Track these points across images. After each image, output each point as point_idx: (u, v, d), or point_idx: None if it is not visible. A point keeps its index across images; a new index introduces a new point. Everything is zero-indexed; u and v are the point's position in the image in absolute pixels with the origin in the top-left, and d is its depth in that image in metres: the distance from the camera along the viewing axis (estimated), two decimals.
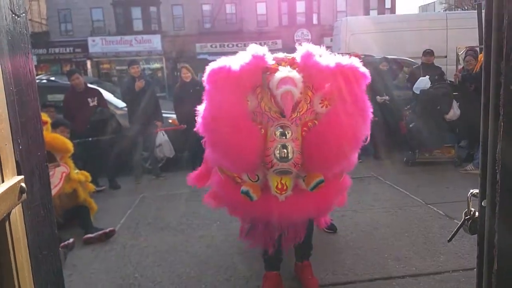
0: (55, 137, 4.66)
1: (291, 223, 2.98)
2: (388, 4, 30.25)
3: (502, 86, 1.13)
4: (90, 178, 5.07)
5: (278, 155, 2.50)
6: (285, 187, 2.68)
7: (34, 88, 1.07)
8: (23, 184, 0.94)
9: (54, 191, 4.33)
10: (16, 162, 0.95)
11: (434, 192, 5.62)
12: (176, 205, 5.64)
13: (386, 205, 5.23)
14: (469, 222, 1.31)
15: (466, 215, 1.33)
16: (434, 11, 39.52)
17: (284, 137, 2.53)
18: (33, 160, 1.05)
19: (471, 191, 1.30)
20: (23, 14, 1.02)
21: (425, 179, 6.32)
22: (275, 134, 2.56)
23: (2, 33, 0.96)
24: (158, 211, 5.44)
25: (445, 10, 32.54)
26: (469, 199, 1.31)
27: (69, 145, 4.73)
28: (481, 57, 6.57)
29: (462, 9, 28.36)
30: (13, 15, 1.01)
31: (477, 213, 1.28)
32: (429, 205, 5.09)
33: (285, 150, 2.49)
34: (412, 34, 12.12)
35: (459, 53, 8.43)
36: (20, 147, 0.97)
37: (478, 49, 7.64)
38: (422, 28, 12.38)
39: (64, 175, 4.52)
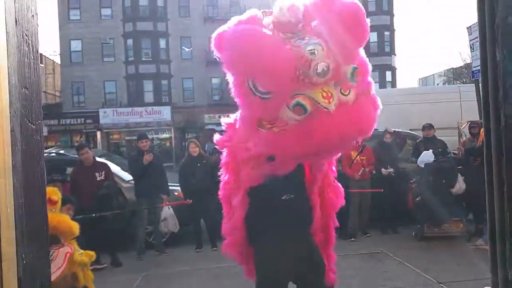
0: (62, 221, 4.61)
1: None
2: (389, 77, 31.23)
3: (504, 156, 1.13)
4: (94, 258, 4.93)
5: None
6: (329, 94, 2.52)
7: (44, 193, 1.08)
8: None
9: (57, 273, 4.21)
10: (18, 278, 0.94)
11: (445, 269, 5.43)
12: (179, 285, 5.47)
13: (398, 285, 5.03)
14: None
15: None
16: (434, 83, 40.71)
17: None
18: (37, 268, 1.04)
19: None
20: (39, 122, 1.06)
21: (435, 255, 6.14)
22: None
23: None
24: None
25: (444, 83, 33.50)
26: None
27: (75, 229, 4.67)
28: (482, 130, 6.64)
29: (461, 82, 29.17)
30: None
31: None
32: (441, 284, 4.90)
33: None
34: (416, 107, 12.29)
35: (461, 127, 8.55)
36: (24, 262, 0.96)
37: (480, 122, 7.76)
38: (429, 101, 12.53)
39: (68, 256, 4.41)
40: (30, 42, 1.08)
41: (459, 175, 6.84)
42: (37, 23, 1.16)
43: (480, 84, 1.17)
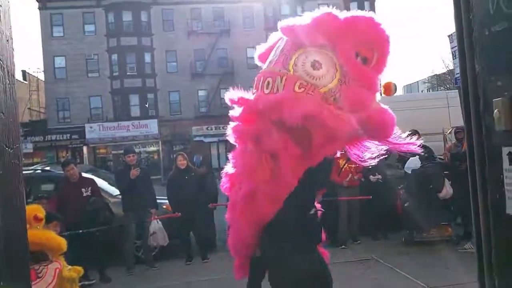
0: (50, 238, 4.55)
1: None
2: None
3: (486, 165, 1.14)
4: (82, 273, 4.85)
5: None
6: None
7: (24, 220, 1.06)
8: None
9: None
10: None
11: (435, 274, 5.46)
12: None
13: None
14: None
15: None
16: (418, 90, 41.26)
17: None
18: None
19: None
20: (16, 146, 1.05)
21: (425, 260, 6.16)
22: None
23: None
24: None
25: (428, 90, 33.99)
26: None
27: (63, 245, 4.61)
28: None
29: (445, 88, 29.60)
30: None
31: None
32: None
33: None
34: (405, 114, 12.37)
35: (446, 133, 8.66)
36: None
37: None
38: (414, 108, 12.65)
39: (58, 271, 4.34)
40: (5, 66, 1.06)
41: (445, 180, 6.91)
42: (13, 47, 1.14)
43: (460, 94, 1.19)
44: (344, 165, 7.35)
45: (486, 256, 1.15)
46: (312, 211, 2.75)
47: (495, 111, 1.05)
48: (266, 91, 2.44)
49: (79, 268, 4.78)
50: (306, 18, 2.46)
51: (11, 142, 1.04)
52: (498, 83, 1.08)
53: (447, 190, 6.83)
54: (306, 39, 2.44)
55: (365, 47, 2.44)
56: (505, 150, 1.05)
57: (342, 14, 2.43)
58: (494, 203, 1.10)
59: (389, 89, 2.48)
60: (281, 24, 2.57)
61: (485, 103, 1.14)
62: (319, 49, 2.37)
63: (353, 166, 7.38)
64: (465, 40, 1.21)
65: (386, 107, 2.48)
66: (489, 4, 1.09)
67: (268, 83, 2.44)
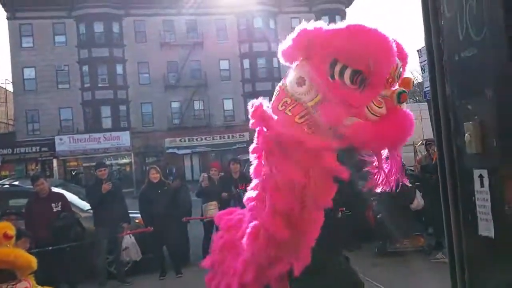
0: (19, 256, 4.38)
1: None
2: None
3: (458, 186, 1.16)
4: None
5: None
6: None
7: None
8: None
9: None
10: None
11: (409, 284, 5.53)
12: None
13: None
14: None
15: None
16: None
17: None
18: None
19: None
20: None
21: (398, 271, 6.25)
22: None
23: None
24: None
25: None
26: None
27: (33, 263, 4.47)
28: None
29: (414, 101, 30.34)
30: None
31: None
32: None
33: None
34: None
35: (416, 145, 8.87)
36: None
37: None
38: None
39: None
40: None
41: (417, 191, 7.05)
42: None
43: (432, 116, 1.19)
44: None
45: (459, 271, 1.18)
46: (339, 215, 2.75)
47: (466, 134, 1.08)
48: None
49: None
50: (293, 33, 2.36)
51: None
52: (468, 106, 1.12)
53: (419, 201, 6.98)
54: (287, 57, 2.43)
55: (350, 57, 2.30)
56: (476, 173, 1.09)
57: (325, 26, 2.30)
58: (466, 223, 1.13)
59: (408, 84, 2.32)
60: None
61: (456, 126, 1.17)
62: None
63: None
64: (436, 64, 1.25)
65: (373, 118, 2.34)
66: (458, 30, 1.14)
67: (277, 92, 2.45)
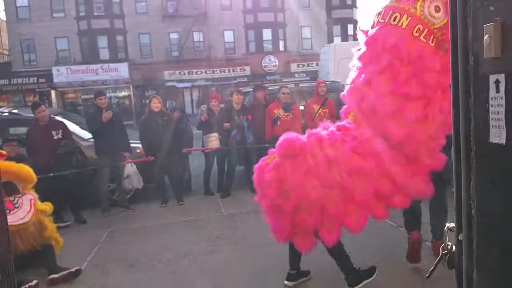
0: (21, 167, 4.50)
1: None
2: (350, 31, 31.25)
3: (472, 122, 1.13)
4: (52, 208, 4.81)
5: None
6: None
7: None
8: None
9: (28, 217, 4.19)
10: None
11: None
12: (146, 239, 5.47)
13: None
14: (447, 257, 1.30)
15: (443, 249, 1.32)
16: None
17: None
18: None
19: (447, 225, 1.30)
20: None
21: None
22: None
23: None
24: (127, 246, 5.25)
25: None
26: (445, 233, 1.30)
27: (33, 174, 4.61)
28: None
29: None
30: None
31: (454, 247, 1.27)
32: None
33: None
34: None
35: None
36: None
37: None
38: None
39: (33, 201, 4.34)
40: None
41: None
42: None
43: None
44: (319, 110, 7.38)
45: (466, 208, 1.17)
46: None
47: (486, 37, 1.02)
48: (393, 23, 2.98)
49: (50, 204, 4.77)
50: None
51: None
52: (490, 7, 1.04)
53: None
54: None
55: None
56: (492, 78, 1.04)
57: None
58: (478, 131, 1.09)
59: None
60: None
61: (474, 31, 1.11)
62: None
63: (327, 110, 7.41)
64: None
65: None
66: None
67: (396, 17, 2.98)
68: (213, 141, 7.46)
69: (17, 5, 28.61)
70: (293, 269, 3.83)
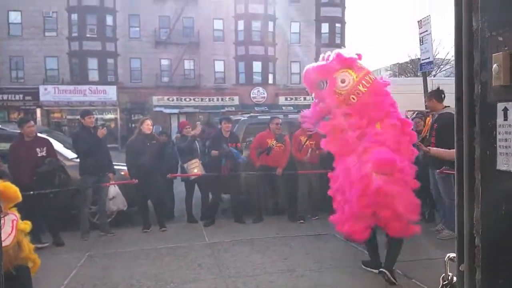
0: (8, 186, 4.35)
1: None
2: None
3: (477, 149, 1.13)
4: (30, 227, 4.63)
5: None
6: None
7: None
8: None
9: (9, 240, 3.99)
10: None
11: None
12: (126, 265, 5.30)
13: (345, 264, 5.17)
14: None
15: (443, 280, 1.29)
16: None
17: None
18: None
19: (448, 255, 1.28)
20: None
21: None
22: None
23: None
24: (105, 271, 5.08)
25: (390, 77, 34.77)
26: (446, 263, 1.28)
27: (19, 193, 4.45)
28: (428, 120, 6.92)
29: (405, 76, 30.40)
30: None
31: (455, 278, 1.24)
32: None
33: None
34: None
35: (409, 117, 8.87)
36: None
37: (426, 112, 8.07)
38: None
39: (15, 223, 4.16)
40: None
41: None
42: None
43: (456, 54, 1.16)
44: (306, 141, 7.42)
45: (468, 237, 1.15)
46: None
47: (494, 65, 1.03)
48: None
49: (28, 222, 4.59)
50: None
51: None
52: (499, 38, 1.06)
53: None
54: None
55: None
56: (500, 106, 1.05)
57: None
58: (484, 159, 1.09)
59: None
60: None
61: (482, 60, 1.12)
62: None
63: (314, 142, 7.45)
64: None
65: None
66: None
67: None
68: (196, 167, 7.40)
69: (10, 21, 28.62)
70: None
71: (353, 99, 4.46)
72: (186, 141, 7.53)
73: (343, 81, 4.50)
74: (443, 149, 5.61)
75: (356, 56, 4.71)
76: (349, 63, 4.59)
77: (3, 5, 28.07)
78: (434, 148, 5.73)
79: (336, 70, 4.58)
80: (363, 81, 4.50)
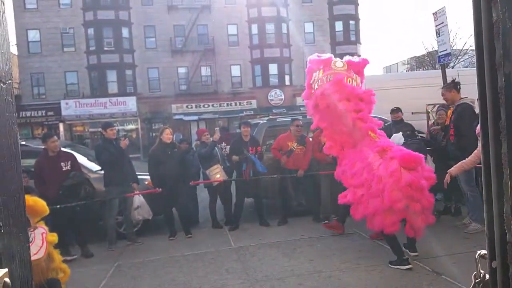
0: (37, 200, 4.46)
1: None
2: None
3: (503, 143, 1.10)
4: (57, 240, 4.74)
5: None
6: None
7: (18, 161, 0.97)
8: (7, 280, 0.80)
9: (42, 252, 4.11)
10: None
11: (418, 246, 5.52)
12: (154, 273, 5.35)
13: (372, 262, 5.11)
14: (480, 286, 1.24)
15: (476, 277, 1.26)
16: (397, 71, 41.53)
17: None
18: (15, 245, 0.93)
19: (479, 252, 1.24)
20: (9, 81, 0.95)
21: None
22: None
23: None
24: (134, 281, 5.14)
25: (408, 71, 34.28)
26: (477, 260, 1.24)
27: (46, 207, 4.56)
28: (450, 112, 6.79)
29: (423, 69, 29.89)
30: None
31: (487, 276, 1.21)
32: (415, 261, 4.99)
33: None
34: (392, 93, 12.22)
35: (430, 110, 8.73)
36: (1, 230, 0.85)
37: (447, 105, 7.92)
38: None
39: (45, 236, 4.27)
40: None
41: (428, 156, 6.97)
42: None
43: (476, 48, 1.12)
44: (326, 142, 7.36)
45: (499, 234, 1.12)
46: None
47: None
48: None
49: (54, 234, 4.69)
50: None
51: (3, 77, 0.94)
52: None
53: (429, 165, 6.91)
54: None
55: None
56: None
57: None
58: (511, 152, 1.06)
59: None
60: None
61: (505, 51, 1.09)
62: None
63: None
64: None
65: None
66: None
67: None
68: (218, 173, 7.42)
69: (29, 40, 29.38)
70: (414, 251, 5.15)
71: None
72: (206, 147, 7.57)
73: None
74: (461, 162, 5.50)
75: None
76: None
77: (21, 24, 28.87)
78: (453, 168, 5.59)
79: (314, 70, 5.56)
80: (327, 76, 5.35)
